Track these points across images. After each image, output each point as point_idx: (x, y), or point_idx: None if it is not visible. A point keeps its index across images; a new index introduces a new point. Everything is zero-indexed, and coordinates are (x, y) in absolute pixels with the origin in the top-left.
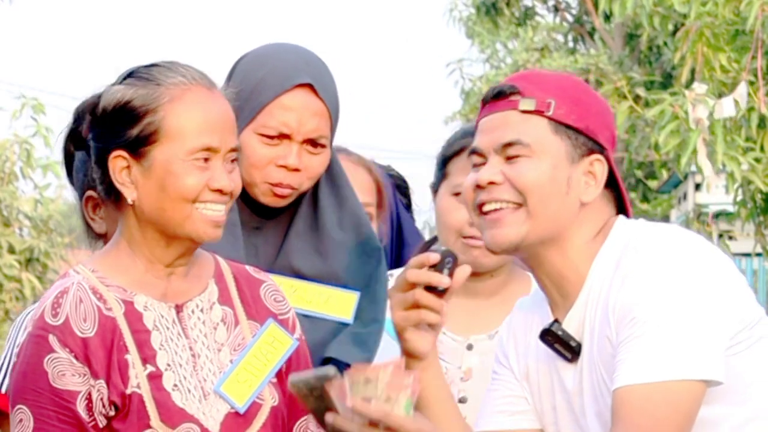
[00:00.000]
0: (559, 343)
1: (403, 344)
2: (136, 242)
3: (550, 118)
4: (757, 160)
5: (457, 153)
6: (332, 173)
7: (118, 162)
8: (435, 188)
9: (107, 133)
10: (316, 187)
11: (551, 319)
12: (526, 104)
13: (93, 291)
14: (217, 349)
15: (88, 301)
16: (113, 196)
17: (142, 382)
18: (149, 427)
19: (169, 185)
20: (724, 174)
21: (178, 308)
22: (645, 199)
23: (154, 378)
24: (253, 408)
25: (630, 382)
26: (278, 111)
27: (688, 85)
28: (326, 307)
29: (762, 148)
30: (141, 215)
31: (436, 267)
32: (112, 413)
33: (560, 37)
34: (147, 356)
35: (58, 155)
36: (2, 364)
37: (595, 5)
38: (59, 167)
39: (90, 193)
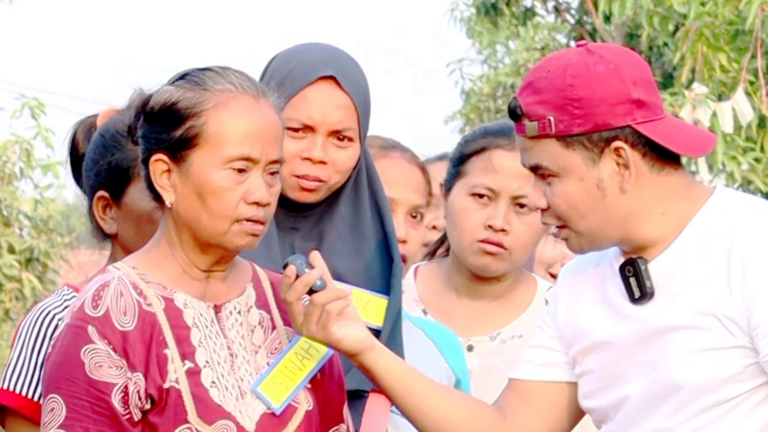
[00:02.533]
0: (637, 279)
1: (344, 347)
2: (174, 244)
3: (556, 137)
4: (757, 160)
5: (477, 152)
6: (371, 174)
7: (160, 164)
8: (448, 186)
9: (152, 133)
10: (356, 187)
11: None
12: (530, 130)
13: (134, 286)
14: (254, 351)
15: (129, 295)
16: (156, 196)
17: (181, 377)
18: (186, 422)
19: (206, 196)
20: (723, 174)
21: (217, 309)
22: None
23: (193, 374)
24: (289, 410)
25: None
26: (302, 104)
27: (688, 86)
28: (364, 313)
29: (762, 148)
30: (178, 219)
31: (297, 276)
32: (147, 406)
33: (561, 37)
34: (186, 352)
35: (58, 155)
36: (16, 362)
37: (595, 5)
38: (59, 167)
39: (101, 192)
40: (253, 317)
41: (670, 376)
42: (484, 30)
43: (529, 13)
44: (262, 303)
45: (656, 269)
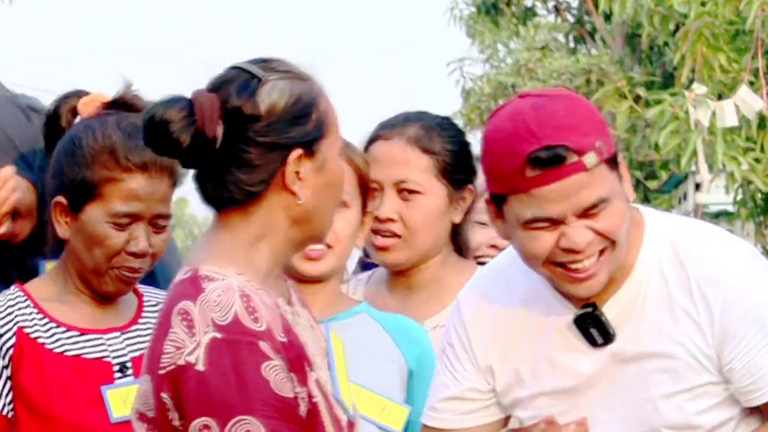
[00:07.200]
0: (598, 327)
1: None
2: (274, 244)
3: (605, 161)
4: (757, 160)
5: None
6: None
7: (297, 161)
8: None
9: (283, 133)
10: None
11: (565, 306)
12: (591, 161)
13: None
14: (321, 352)
15: (269, 306)
16: (252, 196)
17: (317, 391)
18: None
19: (335, 186)
20: (724, 174)
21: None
22: (646, 199)
23: (320, 385)
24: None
25: None
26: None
27: (688, 86)
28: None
29: (762, 148)
30: (301, 214)
31: None
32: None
33: (561, 37)
34: (310, 362)
35: None
36: None
37: (596, 5)
38: None
39: (60, 198)
40: (302, 315)
41: (651, 419)
42: (485, 29)
43: (529, 13)
44: (299, 300)
45: (610, 314)
